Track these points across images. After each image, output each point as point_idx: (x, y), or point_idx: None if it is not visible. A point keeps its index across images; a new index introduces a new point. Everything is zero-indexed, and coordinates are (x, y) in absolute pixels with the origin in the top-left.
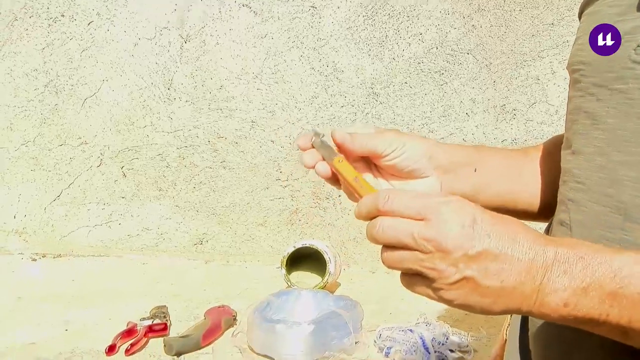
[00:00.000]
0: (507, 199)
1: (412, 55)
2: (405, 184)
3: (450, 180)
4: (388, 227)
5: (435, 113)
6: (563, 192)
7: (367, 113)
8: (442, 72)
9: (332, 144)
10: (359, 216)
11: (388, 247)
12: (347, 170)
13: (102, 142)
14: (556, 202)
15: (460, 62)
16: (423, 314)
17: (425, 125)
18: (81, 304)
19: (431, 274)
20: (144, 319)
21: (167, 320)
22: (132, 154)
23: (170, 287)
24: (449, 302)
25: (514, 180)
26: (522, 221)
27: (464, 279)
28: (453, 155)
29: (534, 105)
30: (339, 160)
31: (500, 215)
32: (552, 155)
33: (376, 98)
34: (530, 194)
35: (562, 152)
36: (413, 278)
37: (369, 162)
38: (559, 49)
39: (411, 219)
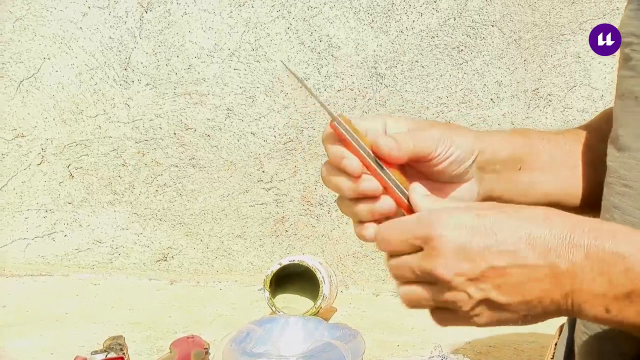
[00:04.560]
0: (553, 199)
1: (424, 27)
2: (442, 193)
3: (491, 181)
4: (393, 267)
5: (453, 99)
6: (607, 196)
7: (370, 99)
8: (461, 48)
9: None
10: None
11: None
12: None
13: (43, 135)
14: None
15: (483, 36)
16: (438, 346)
17: (440, 113)
18: (15, 335)
19: (450, 305)
20: (95, 352)
21: (124, 353)
22: (81, 150)
23: (128, 312)
24: (484, 325)
25: (565, 177)
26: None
27: (481, 301)
28: (498, 150)
29: (573, 89)
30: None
31: (510, 210)
32: (602, 132)
33: (380, 80)
34: (580, 188)
35: (608, 148)
36: (442, 314)
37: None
38: (606, 19)
39: (411, 252)
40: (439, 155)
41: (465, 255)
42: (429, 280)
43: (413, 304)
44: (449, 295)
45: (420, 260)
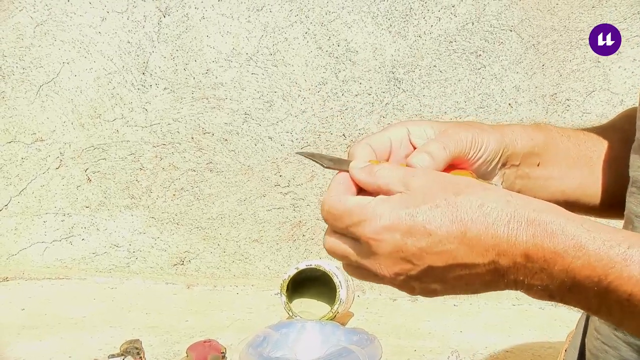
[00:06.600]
0: (570, 197)
1: (442, 32)
2: None
3: (511, 175)
4: (329, 245)
5: (470, 103)
6: (630, 206)
7: (387, 103)
8: (479, 53)
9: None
10: None
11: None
12: None
13: (61, 139)
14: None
15: (501, 41)
16: (455, 351)
17: (458, 118)
18: (33, 338)
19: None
20: (112, 356)
21: (141, 357)
22: (99, 154)
23: (145, 316)
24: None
25: (582, 175)
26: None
27: (422, 291)
28: (518, 146)
29: (592, 93)
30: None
31: (443, 203)
32: (625, 133)
33: (398, 85)
34: (599, 188)
35: (631, 156)
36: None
37: None
38: (627, 23)
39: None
40: (470, 158)
41: (402, 257)
42: (365, 268)
43: (338, 257)
44: (388, 283)
45: (357, 256)
